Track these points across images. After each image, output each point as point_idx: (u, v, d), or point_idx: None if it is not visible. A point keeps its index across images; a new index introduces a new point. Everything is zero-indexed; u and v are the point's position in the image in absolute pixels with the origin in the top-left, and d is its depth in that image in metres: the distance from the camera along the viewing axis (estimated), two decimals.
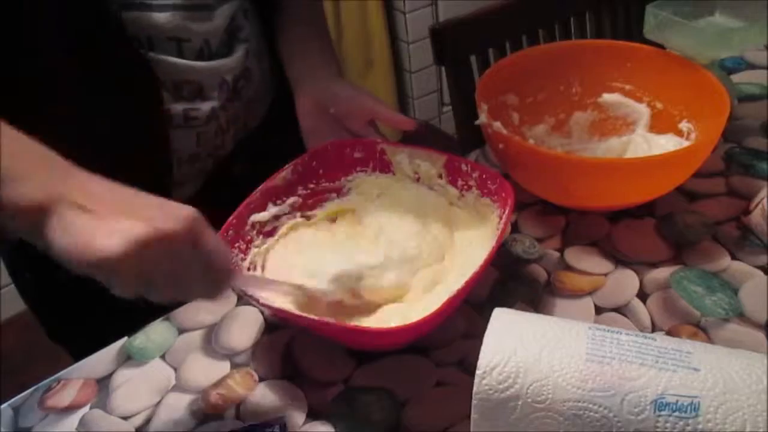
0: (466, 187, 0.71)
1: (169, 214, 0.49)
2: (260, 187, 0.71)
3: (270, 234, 0.72)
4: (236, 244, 0.68)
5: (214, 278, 0.53)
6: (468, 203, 0.72)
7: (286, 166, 0.73)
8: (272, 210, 0.72)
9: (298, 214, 0.74)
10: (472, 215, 0.72)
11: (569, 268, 0.72)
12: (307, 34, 0.85)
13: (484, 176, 0.69)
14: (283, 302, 0.63)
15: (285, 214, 0.73)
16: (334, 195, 0.76)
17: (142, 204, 0.50)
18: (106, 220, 0.47)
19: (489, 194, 0.69)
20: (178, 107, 0.72)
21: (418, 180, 0.75)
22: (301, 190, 0.75)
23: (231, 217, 0.68)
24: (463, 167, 0.71)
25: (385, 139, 0.77)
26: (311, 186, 0.75)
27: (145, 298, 0.50)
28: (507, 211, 0.64)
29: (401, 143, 0.75)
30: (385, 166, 0.76)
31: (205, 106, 0.73)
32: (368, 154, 0.76)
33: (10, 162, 0.48)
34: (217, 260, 0.52)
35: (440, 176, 0.73)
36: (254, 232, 0.70)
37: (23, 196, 0.47)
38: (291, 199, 0.74)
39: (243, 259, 0.69)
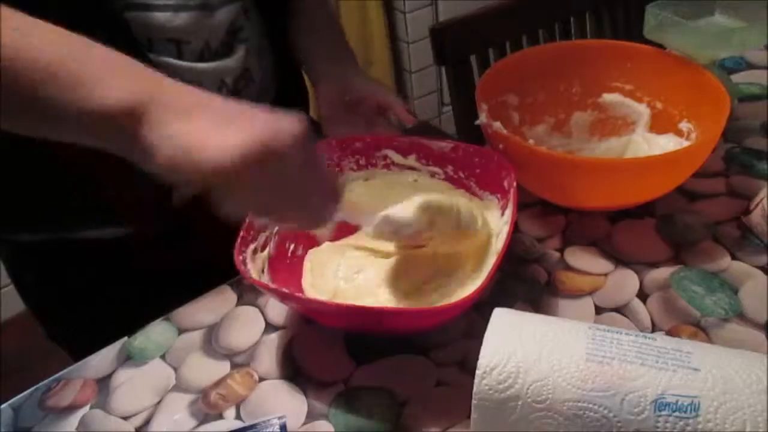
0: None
1: (279, 130, 0.45)
2: (411, 137, 0.74)
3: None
4: (356, 157, 0.75)
5: (320, 204, 0.52)
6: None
7: (449, 140, 0.74)
8: (411, 161, 0.75)
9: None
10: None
11: (569, 268, 0.72)
12: (327, 30, 0.87)
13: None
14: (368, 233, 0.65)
15: (415, 169, 0.76)
16: (471, 196, 0.75)
17: (247, 115, 0.46)
18: (214, 128, 0.43)
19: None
20: None
21: None
22: (450, 170, 0.75)
23: (369, 135, 0.74)
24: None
25: (500, 153, 0.73)
26: (461, 174, 0.75)
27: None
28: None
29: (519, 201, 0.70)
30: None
31: None
32: (509, 187, 0.71)
33: (85, 66, 0.44)
34: (325, 185, 0.51)
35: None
36: (382, 162, 0.75)
37: (106, 99, 0.43)
38: (434, 168, 0.75)
39: (354, 170, 0.75)
